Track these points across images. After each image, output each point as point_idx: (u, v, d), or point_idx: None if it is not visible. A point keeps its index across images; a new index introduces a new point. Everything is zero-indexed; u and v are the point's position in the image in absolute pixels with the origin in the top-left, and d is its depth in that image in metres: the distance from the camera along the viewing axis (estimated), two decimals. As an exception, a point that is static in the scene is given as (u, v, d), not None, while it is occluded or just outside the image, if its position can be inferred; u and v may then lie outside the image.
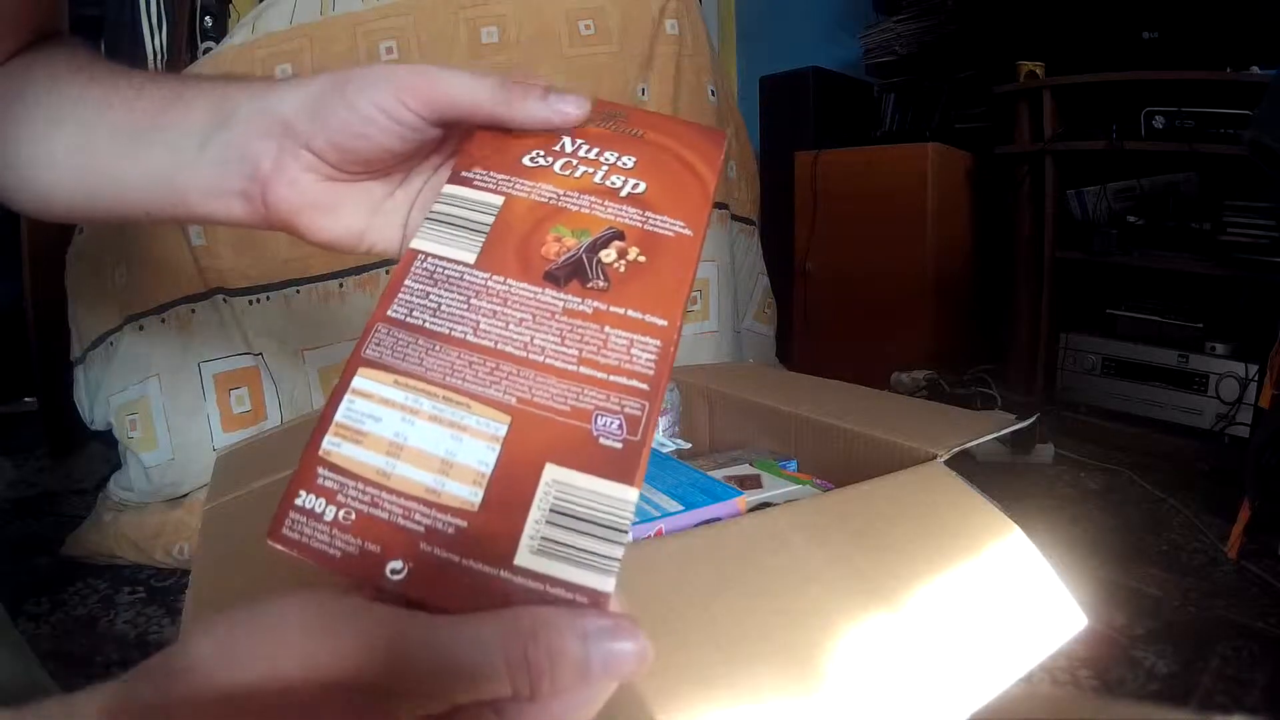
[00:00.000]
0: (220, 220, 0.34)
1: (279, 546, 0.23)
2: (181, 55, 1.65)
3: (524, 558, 0.22)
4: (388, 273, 1.20)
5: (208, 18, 1.69)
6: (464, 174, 0.30)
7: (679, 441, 0.66)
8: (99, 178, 0.36)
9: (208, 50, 1.51)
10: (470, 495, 0.23)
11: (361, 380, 0.25)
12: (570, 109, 0.31)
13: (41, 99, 0.38)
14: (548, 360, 0.25)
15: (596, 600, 0.21)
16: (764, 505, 0.46)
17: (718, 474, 0.52)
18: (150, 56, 1.64)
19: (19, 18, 0.42)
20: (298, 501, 0.23)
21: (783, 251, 2.13)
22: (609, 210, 0.29)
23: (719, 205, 1.39)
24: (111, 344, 1.20)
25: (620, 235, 0.28)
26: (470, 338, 0.25)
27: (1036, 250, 1.87)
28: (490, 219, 0.29)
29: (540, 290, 0.26)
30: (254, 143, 0.32)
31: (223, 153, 0.32)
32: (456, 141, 0.33)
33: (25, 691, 0.41)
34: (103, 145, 0.35)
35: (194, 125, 0.33)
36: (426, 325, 0.26)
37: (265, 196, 0.32)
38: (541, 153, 0.31)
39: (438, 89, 0.30)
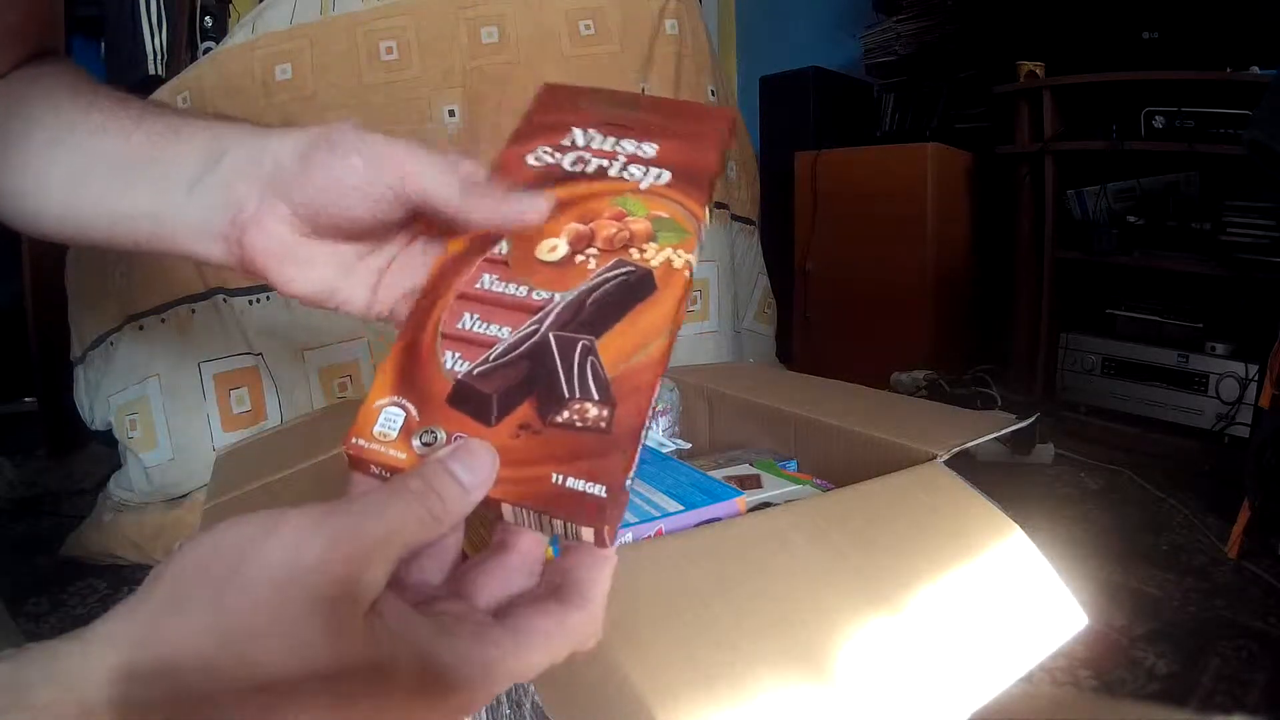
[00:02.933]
0: (202, 259, 0.35)
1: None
2: (181, 55, 1.65)
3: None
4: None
5: (208, 18, 1.69)
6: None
7: (679, 441, 0.66)
8: (92, 206, 0.36)
9: (208, 50, 1.51)
10: None
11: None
12: (529, 212, 0.31)
13: (39, 120, 0.38)
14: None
15: None
16: (764, 505, 0.46)
17: (718, 474, 0.52)
18: (150, 56, 1.65)
19: (17, 31, 0.42)
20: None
21: (783, 251, 2.13)
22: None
23: (719, 205, 1.39)
24: (111, 344, 1.20)
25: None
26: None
27: (1036, 250, 1.87)
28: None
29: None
30: (239, 188, 0.33)
31: (209, 196, 0.33)
32: (420, 229, 0.34)
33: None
34: (98, 174, 0.36)
35: (186, 165, 0.34)
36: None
37: (242, 241, 0.32)
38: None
39: (409, 179, 0.31)
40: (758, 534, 0.39)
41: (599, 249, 0.29)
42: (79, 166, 0.36)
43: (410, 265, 0.34)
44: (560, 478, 0.24)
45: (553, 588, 0.27)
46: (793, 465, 0.60)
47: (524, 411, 0.25)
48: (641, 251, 0.28)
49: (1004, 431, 0.53)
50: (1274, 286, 1.44)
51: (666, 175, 0.30)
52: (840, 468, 0.56)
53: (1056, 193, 1.83)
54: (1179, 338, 1.63)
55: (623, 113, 0.33)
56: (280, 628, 0.21)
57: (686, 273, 0.28)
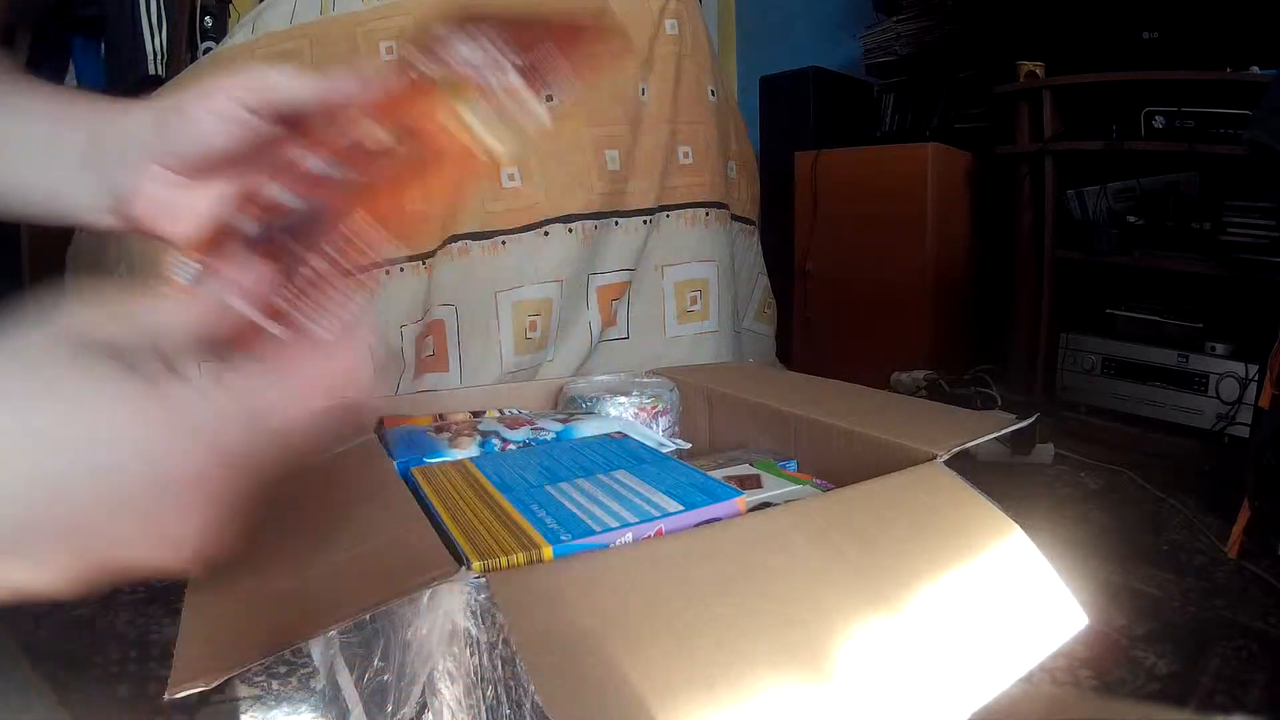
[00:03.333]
0: (103, 229, 0.39)
1: None
2: (181, 55, 1.65)
3: None
4: (387, 273, 1.20)
5: (208, 18, 1.69)
6: None
7: (679, 442, 0.66)
8: (8, 180, 0.39)
9: (208, 50, 1.51)
10: None
11: None
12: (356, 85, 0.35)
13: None
14: None
15: None
16: (764, 505, 0.46)
17: (718, 474, 0.52)
18: (150, 56, 1.65)
19: None
20: None
21: (783, 251, 2.13)
22: None
23: (718, 205, 1.39)
24: (111, 344, 1.20)
25: None
26: None
27: (1036, 250, 1.87)
28: None
29: None
30: (114, 168, 0.36)
31: (93, 177, 0.37)
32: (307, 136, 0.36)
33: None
34: (10, 151, 0.38)
35: (76, 147, 0.37)
36: None
37: (129, 212, 0.36)
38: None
39: (267, 84, 0.34)
40: (758, 534, 0.39)
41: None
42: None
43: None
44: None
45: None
46: (793, 465, 0.60)
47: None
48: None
49: (1004, 431, 0.53)
50: (1274, 286, 1.44)
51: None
52: (840, 468, 0.56)
53: (1056, 193, 1.83)
54: (1179, 338, 1.63)
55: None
56: None
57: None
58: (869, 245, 2.02)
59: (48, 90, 0.40)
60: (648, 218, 1.31)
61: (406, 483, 0.48)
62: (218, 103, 0.34)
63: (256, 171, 0.35)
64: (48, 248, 1.43)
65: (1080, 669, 0.89)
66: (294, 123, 0.35)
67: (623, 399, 0.69)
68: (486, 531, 0.40)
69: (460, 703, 0.40)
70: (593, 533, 0.40)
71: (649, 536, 0.41)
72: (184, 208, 0.36)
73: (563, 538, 0.39)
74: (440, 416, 0.70)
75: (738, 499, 0.44)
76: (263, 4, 1.27)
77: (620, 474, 0.48)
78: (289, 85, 0.34)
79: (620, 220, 1.29)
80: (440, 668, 0.41)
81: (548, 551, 0.38)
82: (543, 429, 0.58)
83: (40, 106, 0.39)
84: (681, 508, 0.42)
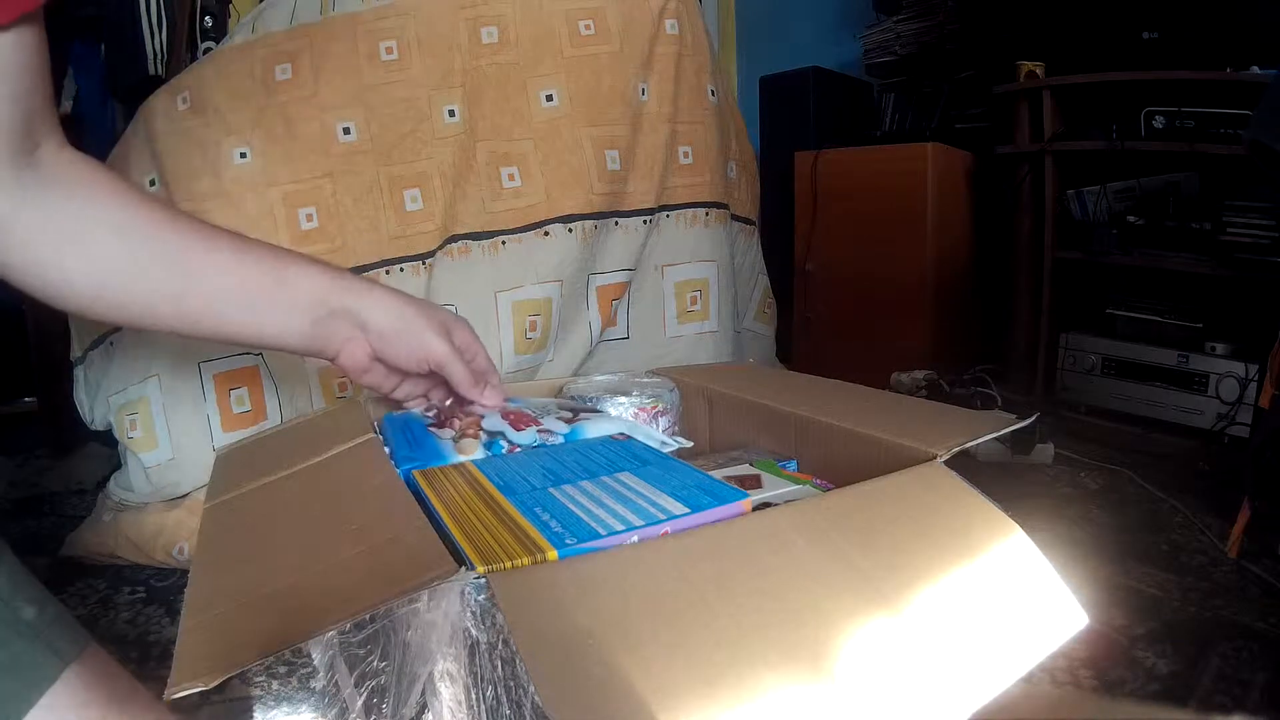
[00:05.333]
0: (280, 349, 0.59)
1: None
2: (181, 55, 1.65)
3: None
4: (387, 272, 1.20)
5: (208, 18, 1.69)
6: None
7: (679, 440, 0.66)
8: (214, 321, 0.54)
9: (208, 50, 1.51)
10: None
11: None
12: (490, 400, 0.62)
13: (127, 228, 0.50)
14: None
15: None
16: (764, 505, 0.46)
17: (718, 474, 0.52)
18: (150, 57, 1.65)
19: (39, 106, 0.47)
20: None
21: (783, 251, 2.13)
22: None
23: (718, 205, 1.39)
24: (111, 344, 1.20)
25: None
26: None
27: (1036, 250, 1.87)
28: None
29: None
30: (340, 328, 0.56)
31: (320, 331, 0.56)
32: (433, 382, 0.64)
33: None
34: (216, 300, 0.54)
35: (301, 306, 0.55)
36: None
37: (338, 355, 0.58)
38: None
39: (454, 367, 0.59)
40: (758, 534, 0.39)
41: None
42: (204, 289, 0.53)
43: (420, 390, 0.65)
44: None
45: None
46: (793, 465, 0.60)
47: None
48: None
49: (1004, 431, 0.53)
50: (1274, 286, 1.44)
51: None
52: (840, 468, 0.56)
53: (1056, 193, 1.83)
54: (1179, 338, 1.63)
55: None
56: None
57: None
58: (869, 245, 2.02)
59: (263, 247, 0.56)
60: (648, 218, 1.31)
61: (407, 485, 0.48)
62: (421, 350, 0.58)
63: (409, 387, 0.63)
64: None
65: (1080, 669, 0.89)
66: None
67: (623, 399, 0.69)
68: (489, 535, 0.40)
69: (460, 703, 0.40)
70: (598, 536, 0.39)
71: (653, 539, 0.41)
72: (371, 371, 0.59)
73: (568, 541, 0.39)
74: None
75: (743, 500, 0.44)
76: (263, 4, 1.27)
77: (624, 476, 0.48)
78: (457, 373, 0.59)
79: (620, 220, 1.29)
80: (440, 668, 0.41)
81: (552, 555, 0.38)
82: (549, 430, 0.58)
83: (263, 259, 0.55)
84: (687, 510, 0.42)
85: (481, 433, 0.56)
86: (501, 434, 0.57)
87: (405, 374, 0.61)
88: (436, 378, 0.61)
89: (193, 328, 0.54)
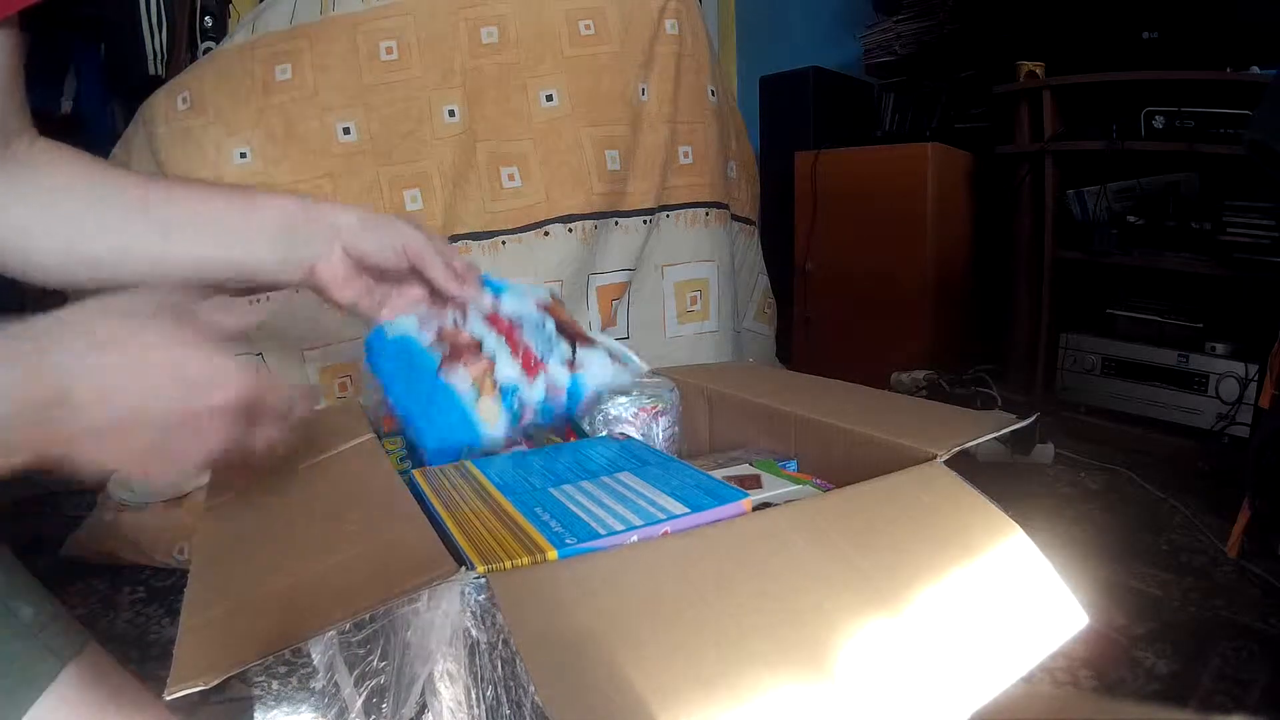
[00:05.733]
0: (273, 287, 0.57)
1: None
2: (181, 55, 1.65)
3: None
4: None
5: (208, 18, 1.69)
6: None
7: (676, 428, 0.66)
8: (179, 257, 0.52)
9: (208, 50, 1.51)
10: None
11: None
12: (478, 297, 0.59)
13: (101, 196, 0.51)
14: None
15: None
16: (764, 505, 0.46)
17: (718, 474, 0.52)
18: (150, 56, 1.65)
19: (13, 103, 0.50)
20: None
21: (783, 251, 2.13)
22: None
23: (718, 205, 1.39)
24: (111, 344, 1.20)
25: None
26: None
27: (1036, 250, 1.87)
28: None
29: None
30: (312, 244, 0.55)
31: (292, 250, 0.54)
32: (416, 282, 0.60)
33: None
34: (189, 232, 0.53)
35: (268, 229, 0.54)
36: None
37: (314, 270, 0.55)
38: None
39: (426, 253, 0.56)
40: (758, 534, 0.39)
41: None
42: (163, 232, 0.52)
43: (404, 301, 0.60)
44: None
45: None
46: (793, 465, 0.60)
47: None
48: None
49: (1004, 431, 0.53)
50: (1274, 286, 1.44)
51: None
52: (840, 468, 0.56)
53: (1056, 193, 1.83)
54: (1179, 338, 1.63)
55: None
56: None
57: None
58: (869, 245, 2.02)
59: (227, 186, 0.59)
60: (648, 218, 1.31)
61: (408, 485, 0.48)
62: (395, 241, 0.56)
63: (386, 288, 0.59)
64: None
65: (1080, 669, 0.89)
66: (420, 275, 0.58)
67: (623, 399, 0.68)
68: (489, 535, 0.40)
69: (460, 703, 0.40)
70: (598, 536, 0.39)
71: (654, 540, 0.41)
72: (347, 284, 0.57)
73: (567, 541, 0.39)
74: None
75: (743, 500, 0.44)
76: (263, 4, 1.27)
77: (624, 476, 0.48)
78: (433, 264, 0.57)
79: (620, 220, 1.29)
80: (440, 668, 0.41)
81: (552, 555, 0.38)
82: (556, 385, 0.58)
83: (210, 197, 0.54)
84: (687, 510, 0.42)
85: (496, 389, 0.55)
86: (516, 390, 0.55)
87: (386, 282, 0.59)
88: (419, 289, 0.60)
89: (167, 270, 0.52)
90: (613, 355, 0.61)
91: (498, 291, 0.60)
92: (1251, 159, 1.16)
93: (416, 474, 0.50)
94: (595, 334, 0.62)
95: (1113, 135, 1.67)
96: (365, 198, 1.18)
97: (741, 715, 0.29)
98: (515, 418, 0.54)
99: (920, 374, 1.80)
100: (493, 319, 0.58)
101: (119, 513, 1.21)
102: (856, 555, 0.38)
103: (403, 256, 0.56)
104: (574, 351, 0.59)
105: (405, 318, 0.59)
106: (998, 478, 1.48)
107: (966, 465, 0.46)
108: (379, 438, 0.58)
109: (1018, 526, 0.43)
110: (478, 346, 0.56)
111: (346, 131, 1.18)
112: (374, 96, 1.19)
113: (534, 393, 0.55)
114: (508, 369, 0.55)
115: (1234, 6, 1.53)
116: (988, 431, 0.52)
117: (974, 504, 0.44)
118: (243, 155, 1.15)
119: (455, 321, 0.58)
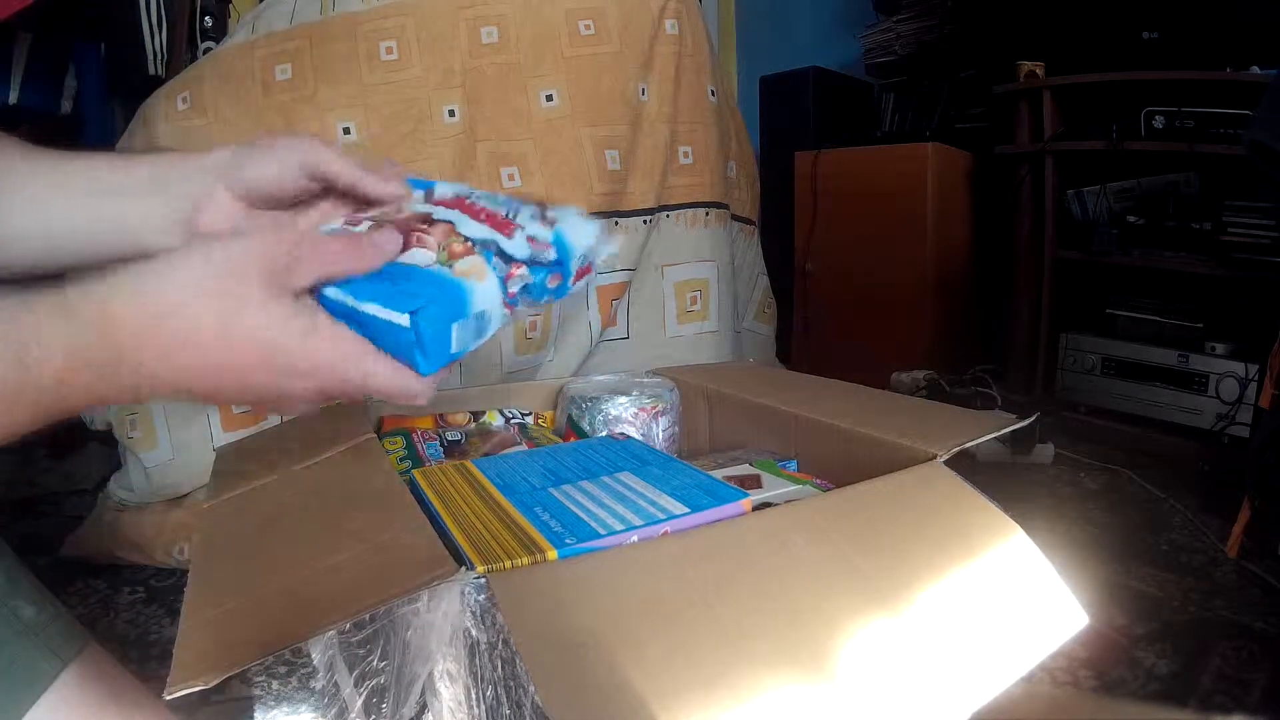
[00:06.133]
0: (162, 249, 0.43)
1: None
2: (181, 55, 1.65)
3: None
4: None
5: (208, 18, 1.69)
6: None
7: (676, 428, 0.66)
8: (63, 231, 0.46)
9: (208, 50, 1.51)
10: None
11: None
12: (399, 192, 0.47)
13: (28, 173, 0.46)
14: None
15: None
16: (764, 505, 0.46)
17: (718, 474, 0.52)
18: (150, 56, 1.64)
19: None
20: None
21: (783, 251, 2.13)
22: None
23: (718, 205, 1.39)
24: (111, 344, 1.20)
25: None
26: None
27: (1036, 250, 1.87)
28: None
29: None
30: (188, 186, 0.45)
31: (161, 200, 0.46)
32: (332, 199, 0.48)
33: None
34: (62, 205, 0.46)
35: (141, 181, 0.46)
36: None
37: (197, 221, 0.44)
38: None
39: (326, 158, 0.45)
40: (758, 534, 0.39)
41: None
42: (46, 203, 0.46)
43: (311, 224, 0.47)
44: None
45: None
46: (793, 465, 0.60)
47: None
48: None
49: (1004, 431, 0.53)
50: (1274, 286, 1.44)
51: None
52: (840, 468, 0.56)
53: (1056, 193, 1.83)
54: (1179, 338, 1.63)
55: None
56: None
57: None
58: (869, 245, 2.02)
59: (79, 153, 0.48)
60: (648, 218, 1.31)
61: (408, 485, 0.48)
62: (287, 157, 0.45)
63: (291, 218, 0.48)
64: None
65: (1080, 669, 0.89)
66: (328, 189, 0.47)
67: (623, 399, 0.69)
68: (489, 535, 0.40)
69: (460, 703, 0.40)
70: (598, 536, 0.39)
71: (654, 539, 0.41)
72: (248, 230, 0.44)
73: (567, 541, 0.39)
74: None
75: (743, 500, 0.44)
76: (263, 4, 1.27)
77: (624, 476, 0.48)
78: (340, 166, 0.45)
79: (620, 220, 1.29)
80: (440, 668, 0.41)
81: (552, 555, 0.38)
82: (537, 239, 0.44)
83: (92, 158, 0.47)
84: (687, 510, 0.42)
85: (469, 245, 0.42)
86: (494, 243, 0.42)
87: (280, 205, 0.47)
88: (329, 204, 0.48)
89: (49, 238, 0.46)
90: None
91: (428, 186, 0.48)
92: (1251, 159, 1.16)
93: (416, 474, 0.50)
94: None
95: (1113, 135, 1.67)
96: (365, 198, 1.18)
97: (741, 715, 0.29)
98: (501, 281, 0.41)
99: (920, 374, 1.80)
100: (435, 202, 0.46)
101: (119, 513, 1.21)
102: (856, 555, 0.38)
103: (301, 175, 0.45)
104: (544, 211, 0.47)
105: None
106: (998, 478, 1.48)
107: (966, 465, 0.46)
108: (379, 438, 0.58)
109: (1018, 526, 0.43)
110: (428, 219, 0.44)
111: (347, 131, 1.18)
112: (374, 96, 1.19)
113: (515, 246, 0.43)
114: (473, 229, 0.43)
115: (1234, 6, 1.53)
116: (988, 431, 0.52)
117: (974, 504, 0.44)
118: (243, 155, 1.15)
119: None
